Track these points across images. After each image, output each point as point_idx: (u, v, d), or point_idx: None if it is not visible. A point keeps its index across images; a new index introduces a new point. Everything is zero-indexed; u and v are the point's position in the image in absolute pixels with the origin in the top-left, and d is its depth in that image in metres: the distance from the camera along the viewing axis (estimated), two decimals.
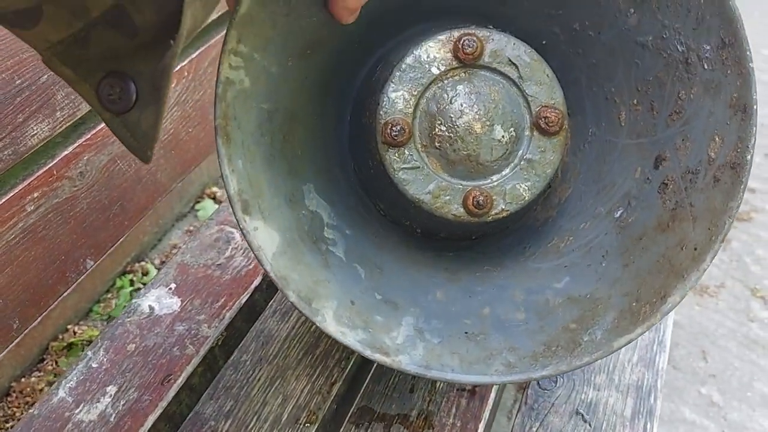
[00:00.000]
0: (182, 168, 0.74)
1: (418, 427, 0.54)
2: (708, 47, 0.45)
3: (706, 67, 0.46)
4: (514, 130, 0.47)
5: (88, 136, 0.64)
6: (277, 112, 0.42)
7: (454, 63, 0.47)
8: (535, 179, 0.48)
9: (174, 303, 0.64)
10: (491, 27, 0.48)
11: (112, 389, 0.57)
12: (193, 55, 0.74)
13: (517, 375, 0.42)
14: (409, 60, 0.46)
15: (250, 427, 0.55)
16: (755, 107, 0.44)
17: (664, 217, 0.47)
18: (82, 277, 0.64)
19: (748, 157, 0.44)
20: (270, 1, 0.38)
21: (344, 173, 0.53)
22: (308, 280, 0.40)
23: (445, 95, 0.46)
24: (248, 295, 0.65)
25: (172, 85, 0.72)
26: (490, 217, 0.48)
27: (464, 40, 0.46)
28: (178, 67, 0.72)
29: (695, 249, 0.44)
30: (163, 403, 0.56)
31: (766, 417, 1.20)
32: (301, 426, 0.55)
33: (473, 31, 0.47)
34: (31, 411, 0.55)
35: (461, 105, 0.46)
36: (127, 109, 0.31)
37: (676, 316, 1.37)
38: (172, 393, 0.57)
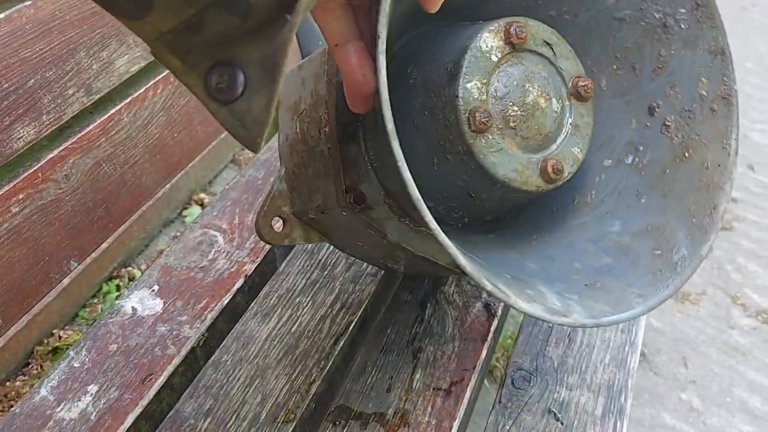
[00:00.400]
0: (167, 172, 0.75)
1: (394, 425, 0.55)
2: (684, 10, 0.52)
3: (683, 26, 0.52)
4: (561, 101, 0.52)
5: (74, 139, 0.65)
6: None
7: (507, 49, 0.51)
8: (582, 141, 0.53)
9: (156, 304, 0.65)
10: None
11: (93, 388, 0.58)
12: None
13: (654, 299, 0.47)
14: (473, 52, 0.50)
15: (228, 425, 0.56)
16: (730, 50, 0.51)
17: (678, 150, 0.53)
18: (66, 279, 0.65)
19: (735, 87, 0.51)
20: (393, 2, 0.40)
21: None
22: (475, 270, 0.41)
23: (509, 79, 0.50)
24: (230, 297, 0.66)
25: (159, 90, 0.73)
26: (561, 181, 0.51)
27: (514, 28, 0.50)
28: (164, 73, 0.73)
29: (719, 165, 0.51)
30: (144, 402, 0.57)
31: (744, 422, 1.22)
32: (279, 424, 0.56)
33: (516, 19, 0.51)
34: (13, 409, 0.56)
35: (525, 86, 0.51)
36: (234, 98, 0.31)
37: (657, 323, 1.39)
38: (152, 392, 0.58)
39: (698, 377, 1.29)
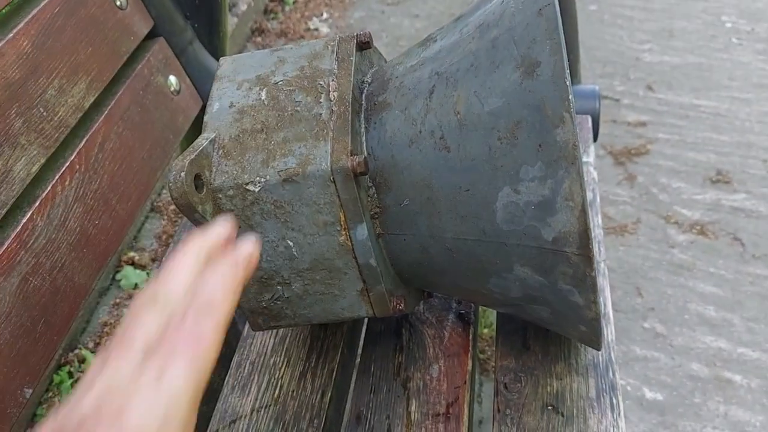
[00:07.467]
0: (99, 263, 0.71)
1: None
2: None
3: None
4: None
5: None
6: None
7: None
8: None
9: None
10: None
11: None
12: (80, 146, 0.71)
13: None
14: None
15: None
16: None
17: None
18: (24, 409, 0.60)
19: None
20: None
21: None
22: None
23: None
24: None
25: (67, 183, 0.69)
26: None
27: None
28: (66, 163, 0.69)
29: None
30: None
31: (705, 334, 1.28)
32: None
33: None
34: None
35: None
36: None
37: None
38: None
39: (655, 303, 1.35)
